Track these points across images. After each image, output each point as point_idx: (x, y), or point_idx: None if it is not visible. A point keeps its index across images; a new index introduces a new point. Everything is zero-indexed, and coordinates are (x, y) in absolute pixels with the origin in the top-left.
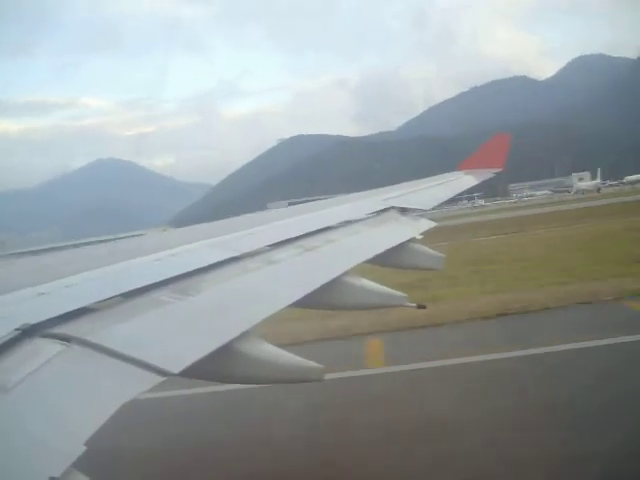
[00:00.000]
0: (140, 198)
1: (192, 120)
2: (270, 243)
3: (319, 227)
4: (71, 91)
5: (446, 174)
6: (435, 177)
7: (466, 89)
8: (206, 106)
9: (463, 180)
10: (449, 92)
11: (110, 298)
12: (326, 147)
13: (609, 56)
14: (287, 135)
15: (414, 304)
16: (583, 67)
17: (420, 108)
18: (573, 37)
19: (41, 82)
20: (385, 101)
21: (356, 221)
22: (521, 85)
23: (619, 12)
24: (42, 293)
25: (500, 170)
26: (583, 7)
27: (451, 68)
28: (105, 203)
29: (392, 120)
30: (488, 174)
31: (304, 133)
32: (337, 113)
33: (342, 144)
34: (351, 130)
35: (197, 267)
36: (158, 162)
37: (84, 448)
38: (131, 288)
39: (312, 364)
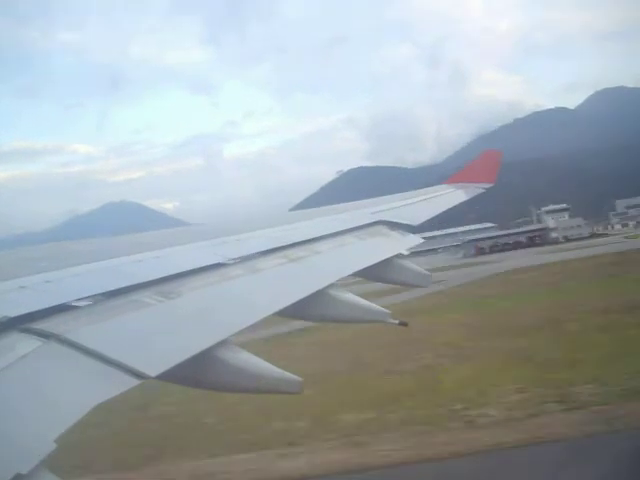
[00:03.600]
0: None
1: (196, 163)
2: (256, 251)
3: (305, 238)
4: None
5: (436, 187)
6: (425, 190)
7: (510, 121)
8: (211, 149)
9: (453, 195)
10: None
11: (92, 296)
12: (385, 177)
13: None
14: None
15: (396, 321)
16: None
17: (434, 144)
18: (591, 71)
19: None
20: (397, 139)
21: (343, 233)
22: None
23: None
24: (23, 287)
25: (491, 185)
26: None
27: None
28: None
29: (406, 156)
30: (478, 189)
31: (363, 165)
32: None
33: (400, 173)
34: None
35: (181, 270)
36: (168, 205)
37: (54, 446)
38: (113, 288)
39: (291, 376)
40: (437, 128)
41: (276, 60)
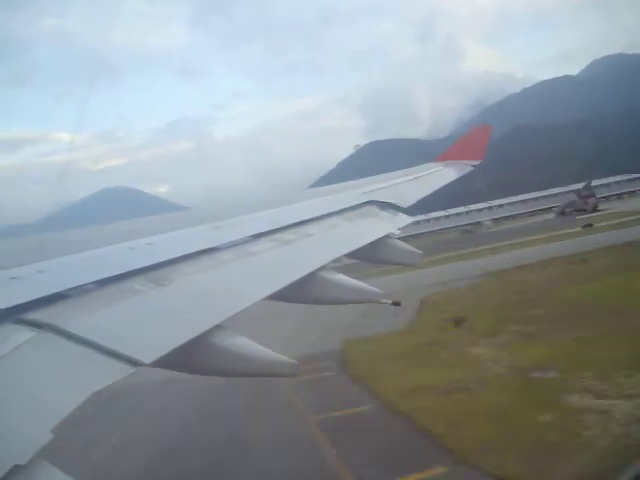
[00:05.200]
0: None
1: (187, 145)
2: (246, 235)
3: (297, 220)
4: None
5: (425, 165)
6: (414, 168)
7: (518, 90)
8: (200, 131)
9: (443, 173)
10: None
11: (84, 285)
12: (404, 150)
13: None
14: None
15: (389, 301)
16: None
17: (430, 116)
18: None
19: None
20: (394, 114)
21: (334, 215)
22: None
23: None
24: (14, 277)
25: (479, 162)
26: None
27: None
28: None
29: (404, 131)
30: (467, 167)
31: (381, 138)
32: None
33: (417, 145)
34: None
35: (173, 257)
36: (161, 189)
37: (51, 436)
38: (106, 276)
39: (286, 359)
40: (434, 102)
41: (263, 41)
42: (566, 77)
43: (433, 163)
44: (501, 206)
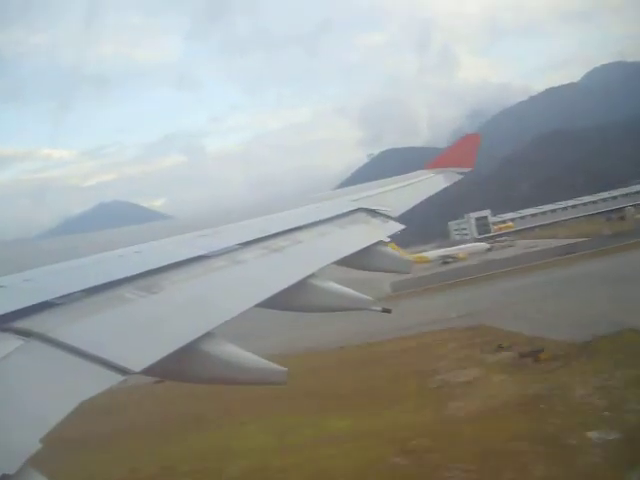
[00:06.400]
0: None
1: (180, 159)
2: (236, 243)
3: (287, 227)
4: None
5: (415, 172)
6: (405, 176)
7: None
8: (194, 145)
9: (434, 181)
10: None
11: (73, 294)
12: (418, 158)
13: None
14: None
15: (379, 308)
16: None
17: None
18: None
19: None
20: (389, 123)
21: (324, 222)
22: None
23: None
24: (1, 286)
25: (470, 170)
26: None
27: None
28: None
29: (402, 142)
30: (457, 175)
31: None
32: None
33: (431, 153)
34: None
35: (163, 264)
36: (157, 202)
37: (39, 445)
38: (94, 284)
39: (275, 367)
40: (430, 112)
41: (257, 53)
42: (571, 85)
43: (424, 170)
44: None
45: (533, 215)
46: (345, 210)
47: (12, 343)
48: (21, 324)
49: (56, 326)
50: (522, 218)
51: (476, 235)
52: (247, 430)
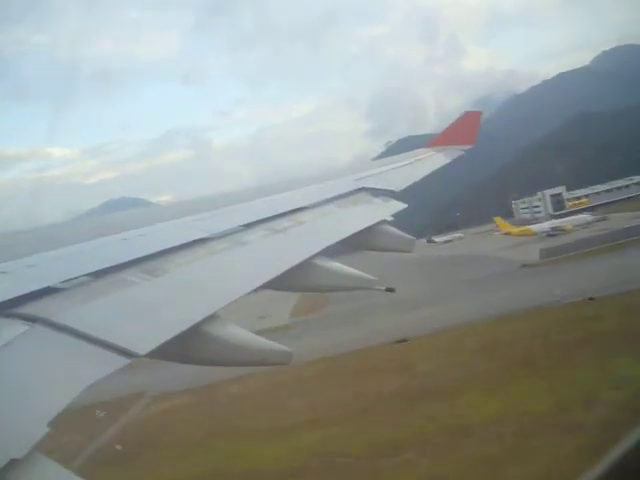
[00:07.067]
0: None
1: (184, 154)
2: (239, 224)
3: (290, 208)
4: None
5: (416, 151)
6: (405, 154)
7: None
8: (198, 139)
9: (435, 158)
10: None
11: (77, 278)
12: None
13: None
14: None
15: (383, 287)
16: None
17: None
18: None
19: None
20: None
21: (327, 202)
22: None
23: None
24: (3, 272)
25: (471, 146)
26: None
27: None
28: None
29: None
30: (458, 152)
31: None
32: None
33: None
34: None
35: (166, 247)
36: (163, 198)
37: (47, 430)
38: (98, 268)
39: (280, 347)
40: (438, 101)
41: (262, 45)
42: (583, 68)
43: (424, 149)
44: None
45: (607, 191)
46: (348, 190)
47: (17, 328)
48: (26, 309)
49: (60, 310)
50: (597, 194)
51: (551, 212)
52: None
